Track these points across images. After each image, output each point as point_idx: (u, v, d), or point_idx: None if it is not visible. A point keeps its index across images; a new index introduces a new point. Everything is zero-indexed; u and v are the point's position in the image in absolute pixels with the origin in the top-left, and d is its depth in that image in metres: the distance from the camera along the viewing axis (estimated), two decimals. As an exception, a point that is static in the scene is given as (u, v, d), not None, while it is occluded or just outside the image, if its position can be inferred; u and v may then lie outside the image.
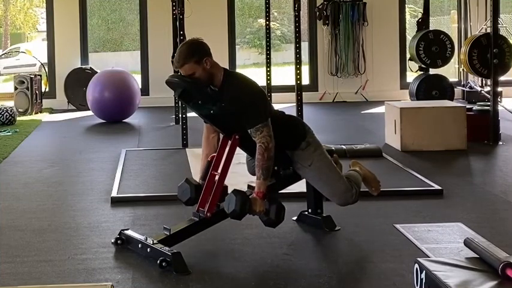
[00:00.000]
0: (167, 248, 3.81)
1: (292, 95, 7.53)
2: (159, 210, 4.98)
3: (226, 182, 4.04)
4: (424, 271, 3.07)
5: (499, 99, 8.10)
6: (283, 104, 9.21)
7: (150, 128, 9.20)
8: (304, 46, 11.28)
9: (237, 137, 4.01)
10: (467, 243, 3.38)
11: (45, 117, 10.30)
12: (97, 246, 4.19)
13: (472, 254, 3.32)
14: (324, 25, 11.45)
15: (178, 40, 7.82)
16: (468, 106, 7.67)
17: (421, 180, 5.66)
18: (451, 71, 11.86)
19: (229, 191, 3.99)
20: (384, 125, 7.66)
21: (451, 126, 7.04)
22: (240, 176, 4.76)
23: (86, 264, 3.90)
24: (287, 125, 4.21)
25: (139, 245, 3.95)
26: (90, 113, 9.95)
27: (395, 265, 3.77)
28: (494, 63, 7.63)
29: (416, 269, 3.15)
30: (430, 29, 10.54)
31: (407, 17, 12.72)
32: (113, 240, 4.15)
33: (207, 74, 3.96)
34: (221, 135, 4.18)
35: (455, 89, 10.54)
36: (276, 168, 4.20)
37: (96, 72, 10.34)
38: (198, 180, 4.17)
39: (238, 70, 10.13)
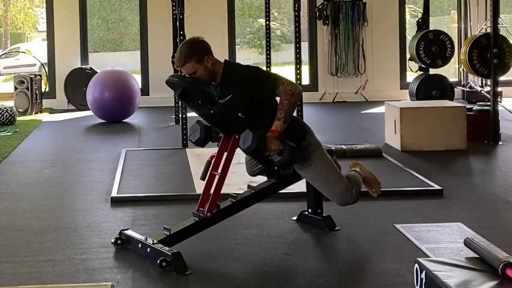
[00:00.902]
0: (167, 248, 3.81)
1: (292, 95, 7.52)
2: (159, 210, 4.98)
3: (226, 182, 4.04)
4: (424, 271, 3.07)
5: (499, 99, 8.10)
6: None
7: (150, 128, 9.20)
8: (304, 46, 11.27)
9: (237, 137, 4.01)
10: (467, 243, 3.38)
11: (45, 117, 10.31)
12: (97, 246, 4.19)
13: (472, 254, 3.32)
14: (324, 25, 11.45)
15: (178, 40, 7.82)
16: (468, 106, 7.67)
17: (421, 180, 5.66)
18: (451, 71, 11.86)
19: (229, 191, 3.99)
20: (383, 125, 7.66)
21: (451, 126, 7.04)
22: (240, 176, 4.76)
23: (86, 264, 3.90)
24: (287, 124, 4.21)
25: (139, 245, 3.95)
26: (90, 113, 9.95)
27: (395, 265, 3.77)
28: (494, 63, 7.63)
29: (416, 269, 3.15)
30: (430, 29, 10.54)
31: (407, 17, 12.72)
32: (113, 240, 4.15)
33: (209, 72, 3.97)
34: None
35: (455, 89, 10.53)
36: (276, 168, 4.21)
37: (96, 72, 10.34)
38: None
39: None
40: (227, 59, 4.77)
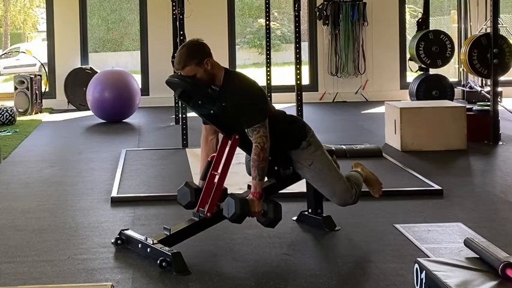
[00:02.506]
0: (167, 248, 3.81)
1: (292, 95, 7.53)
2: (159, 210, 4.98)
3: (226, 182, 4.05)
4: (424, 271, 3.07)
5: (499, 99, 8.10)
6: (283, 104, 9.20)
7: (150, 128, 9.20)
8: (304, 46, 11.28)
9: (237, 137, 4.01)
10: (467, 243, 3.38)
11: (45, 117, 10.31)
12: (97, 246, 4.19)
13: (472, 254, 3.32)
14: (324, 25, 11.45)
15: (178, 40, 7.82)
16: (468, 106, 7.67)
17: (421, 180, 5.66)
18: (451, 71, 11.87)
19: (229, 191, 3.99)
20: (384, 125, 7.66)
21: (451, 126, 7.04)
22: (240, 176, 4.76)
23: (86, 264, 3.90)
24: (288, 124, 4.21)
25: (139, 245, 3.96)
26: (90, 113, 9.95)
27: (395, 265, 3.77)
28: (494, 63, 7.63)
29: (416, 269, 3.15)
30: (430, 29, 10.54)
31: (407, 17, 12.72)
32: (113, 240, 4.15)
33: (208, 75, 3.96)
34: (220, 136, 4.18)
35: (455, 89, 10.54)
36: (276, 168, 4.21)
37: (96, 72, 10.34)
38: (197, 182, 4.18)
39: (238, 70, 10.13)
40: (228, 61, 4.78)
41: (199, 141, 4.28)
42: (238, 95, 3.94)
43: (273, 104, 4.47)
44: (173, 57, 7.77)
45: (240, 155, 4.18)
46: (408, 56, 10.98)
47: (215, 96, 3.99)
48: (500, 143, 7.37)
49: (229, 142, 4.06)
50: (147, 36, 11.53)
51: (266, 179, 4.37)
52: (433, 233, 4.31)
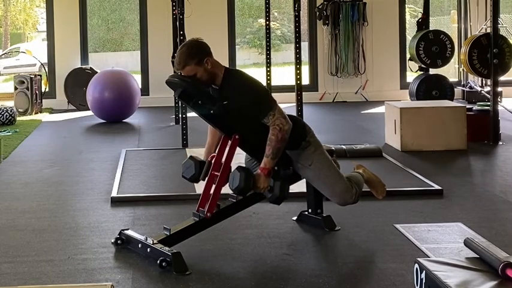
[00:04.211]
0: (167, 248, 3.81)
1: (292, 95, 7.53)
2: (159, 210, 4.98)
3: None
4: (424, 271, 3.07)
5: (499, 99, 8.10)
6: (283, 104, 9.14)
7: (150, 128, 9.20)
8: (304, 46, 11.28)
9: (237, 137, 4.01)
10: (467, 243, 3.38)
11: (45, 117, 10.31)
12: (97, 246, 4.19)
13: (472, 254, 3.32)
14: (324, 25, 11.45)
15: (178, 40, 7.82)
16: (468, 106, 7.67)
17: (421, 180, 5.66)
18: (451, 71, 11.87)
19: (230, 191, 3.99)
20: (384, 125, 7.66)
21: (451, 126, 7.04)
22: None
23: (86, 264, 3.90)
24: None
25: (139, 245, 3.96)
26: (90, 113, 9.96)
27: (395, 265, 3.77)
28: (494, 63, 7.63)
29: (416, 269, 3.15)
30: (430, 29, 10.54)
31: (407, 17, 12.72)
32: (113, 240, 4.15)
33: (209, 74, 3.97)
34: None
35: (455, 89, 10.54)
36: (276, 168, 4.20)
37: (96, 72, 10.34)
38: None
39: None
40: (228, 61, 4.79)
41: (199, 142, 4.28)
42: (241, 93, 3.95)
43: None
44: (173, 57, 7.77)
45: (240, 155, 4.18)
46: (408, 56, 10.99)
47: (216, 95, 3.99)
48: (500, 143, 7.37)
49: (229, 142, 4.06)
50: (147, 36, 11.53)
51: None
52: (433, 233, 4.31)
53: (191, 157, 4.17)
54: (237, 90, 3.96)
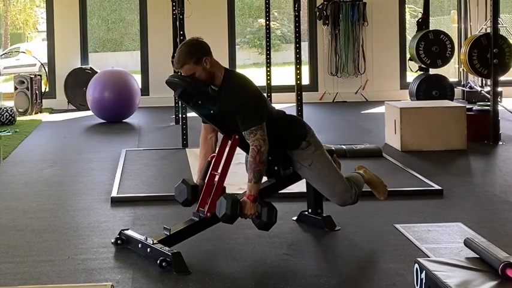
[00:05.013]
0: (167, 248, 3.81)
1: (292, 95, 7.54)
2: (159, 210, 4.98)
3: (226, 182, 4.04)
4: (424, 271, 3.07)
5: (499, 99, 8.10)
6: (283, 104, 9.20)
7: (150, 128, 9.20)
8: (304, 46, 11.28)
9: (237, 137, 4.01)
10: (467, 243, 3.38)
11: (45, 117, 10.30)
12: (97, 246, 4.19)
13: (472, 254, 3.32)
14: (324, 25, 11.45)
15: (178, 40, 7.82)
16: (468, 106, 7.67)
17: (421, 180, 5.66)
18: (451, 71, 11.87)
19: (229, 191, 3.99)
20: (384, 125, 7.66)
21: (451, 126, 7.04)
22: (240, 176, 4.75)
23: (86, 264, 3.90)
24: (288, 124, 4.21)
25: (139, 245, 3.96)
26: (90, 113, 9.95)
27: (395, 265, 3.77)
28: (494, 63, 7.63)
29: (416, 269, 3.15)
30: (430, 29, 10.54)
31: (407, 17, 12.72)
32: (113, 240, 4.15)
33: (207, 74, 3.96)
34: (220, 135, 4.18)
35: (455, 89, 10.54)
36: (276, 168, 4.21)
37: (96, 72, 10.34)
38: (196, 181, 4.18)
39: (238, 70, 10.13)
40: (228, 61, 4.80)
41: (199, 141, 4.27)
42: (234, 96, 3.94)
43: (273, 104, 4.47)
44: (173, 57, 7.77)
45: (240, 155, 4.18)
46: (408, 56, 10.99)
47: (215, 96, 3.99)
48: (500, 143, 7.37)
49: (229, 142, 4.06)
50: (147, 36, 11.53)
51: (266, 178, 4.38)
52: (433, 233, 4.31)
53: (183, 181, 4.13)
54: (231, 93, 3.95)
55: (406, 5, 12.10)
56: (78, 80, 10.93)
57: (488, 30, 8.57)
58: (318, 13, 11.49)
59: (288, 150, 4.18)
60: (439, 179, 5.67)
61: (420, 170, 6.03)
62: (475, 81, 10.92)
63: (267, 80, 9.54)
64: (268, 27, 9.56)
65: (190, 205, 4.11)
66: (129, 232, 4.14)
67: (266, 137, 3.90)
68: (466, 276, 2.98)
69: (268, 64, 9.57)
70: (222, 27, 11.49)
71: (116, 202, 5.19)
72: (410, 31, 11.89)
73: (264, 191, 4.24)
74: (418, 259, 3.19)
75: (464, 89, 11.19)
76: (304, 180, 4.33)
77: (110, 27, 14.45)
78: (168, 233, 3.95)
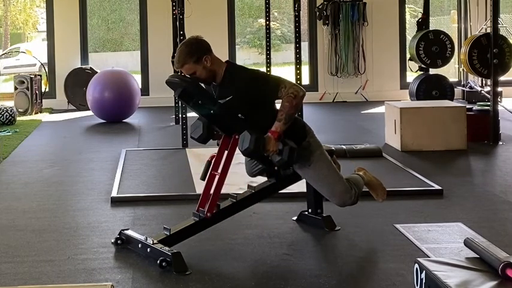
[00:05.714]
0: (167, 248, 3.81)
1: (292, 95, 7.52)
2: (159, 210, 4.98)
3: (226, 182, 4.04)
4: (424, 271, 3.07)
5: (499, 99, 8.10)
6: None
7: (150, 128, 9.20)
8: (304, 46, 11.28)
9: (237, 137, 4.01)
10: (467, 243, 3.38)
11: (45, 117, 10.31)
12: (97, 246, 4.19)
13: (472, 254, 3.32)
14: (324, 25, 11.45)
15: (178, 40, 7.82)
16: (468, 106, 7.67)
17: (421, 180, 5.66)
18: (451, 71, 11.87)
19: (229, 191, 3.99)
20: (384, 125, 7.66)
21: (451, 126, 7.04)
22: (240, 176, 4.76)
23: (86, 264, 3.90)
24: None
25: (139, 245, 3.95)
26: (90, 113, 9.96)
27: (395, 265, 3.77)
28: (494, 63, 7.63)
29: (416, 269, 3.15)
30: (430, 29, 10.54)
31: (407, 17, 12.72)
32: (113, 240, 4.15)
33: (208, 72, 3.97)
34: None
35: (455, 89, 10.54)
36: (276, 168, 4.20)
37: (96, 72, 10.34)
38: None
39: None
40: (228, 59, 4.79)
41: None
42: (244, 83, 3.96)
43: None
44: (173, 57, 7.77)
45: (240, 155, 4.18)
46: (408, 56, 10.99)
47: (217, 92, 3.99)
48: (500, 143, 7.37)
49: (230, 142, 4.06)
50: (147, 36, 11.53)
51: (266, 178, 4.38)
52: (433, 233, 4.31)
53: (199, 118, 4.08)
54: (240, 82, 3.95)
55: (406, 5, 12.10)
56: (78, 80, 10.93)
57: (488, 30, 8.57)
58: (318, 13, 11.49)
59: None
60: (439, 179, 5.67)
61: (420, 170, 6.03)
62: (475, 81, 10.92)
63: (267, 80, 9.52)
64: (268, 27, 9.56)
65: (205, 142, 4.05)
66: (129, 232, 4.14)
67: (298, 85, 4.01)
68: (466, 276, 2.98)
69: (268, 64, 9.56)
70: (222, 27, 11.50)
71: (116, 202, 5.19)
72: (410, 31, 11.89)
73: (264, 191, 4.24)
74: (418, 259, 3.19)
75: (464, 89, 11.19)
76: (304, 180, 4.33)
77: (110, 27, 14.46)
78: (168, 233, 3.95)
